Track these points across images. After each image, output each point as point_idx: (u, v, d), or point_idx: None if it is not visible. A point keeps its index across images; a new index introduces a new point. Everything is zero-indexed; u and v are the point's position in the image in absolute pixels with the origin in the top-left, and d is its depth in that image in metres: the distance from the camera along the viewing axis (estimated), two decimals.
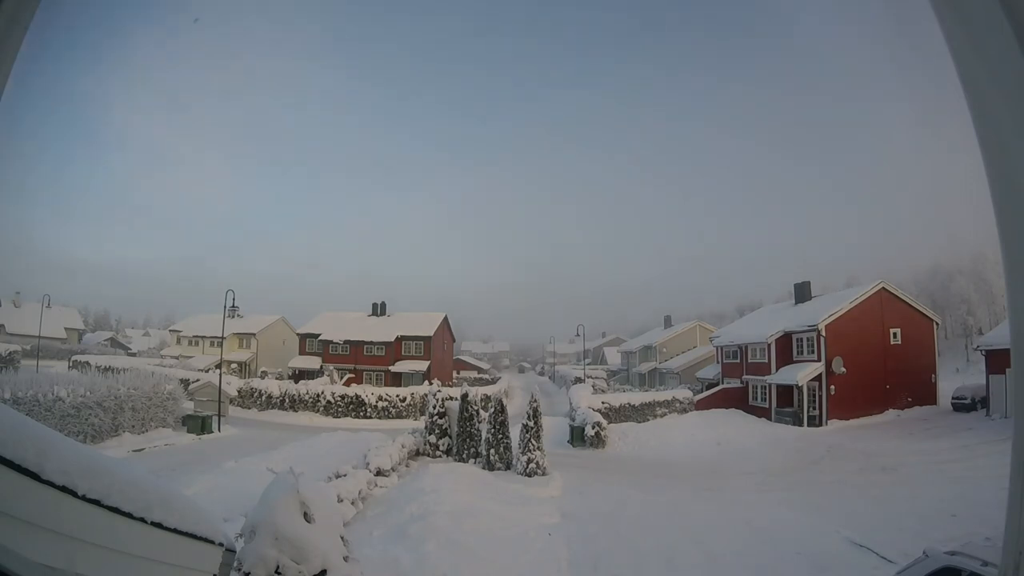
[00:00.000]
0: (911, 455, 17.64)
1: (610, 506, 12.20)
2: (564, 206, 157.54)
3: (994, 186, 1.10)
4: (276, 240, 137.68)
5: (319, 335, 41.48)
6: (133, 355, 53.27)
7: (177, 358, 45.23)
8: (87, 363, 36.03)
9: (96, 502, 1.59)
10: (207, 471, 13.61)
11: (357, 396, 29.57)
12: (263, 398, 30.34)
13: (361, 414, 29.01)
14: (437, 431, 18.47)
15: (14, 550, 1.36)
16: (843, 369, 25.37)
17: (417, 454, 18.05)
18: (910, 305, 27.98)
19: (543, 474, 15.64)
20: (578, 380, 38.18)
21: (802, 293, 31.68)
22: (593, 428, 21.91)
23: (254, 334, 45.87)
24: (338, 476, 12.10)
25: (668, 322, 53.87)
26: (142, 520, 1.77)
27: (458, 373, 52.45)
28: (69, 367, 35.66)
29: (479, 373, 58.15)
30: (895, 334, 27.09)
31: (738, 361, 31.16)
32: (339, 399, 29.57)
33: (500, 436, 16.90)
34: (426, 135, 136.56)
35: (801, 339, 27.20)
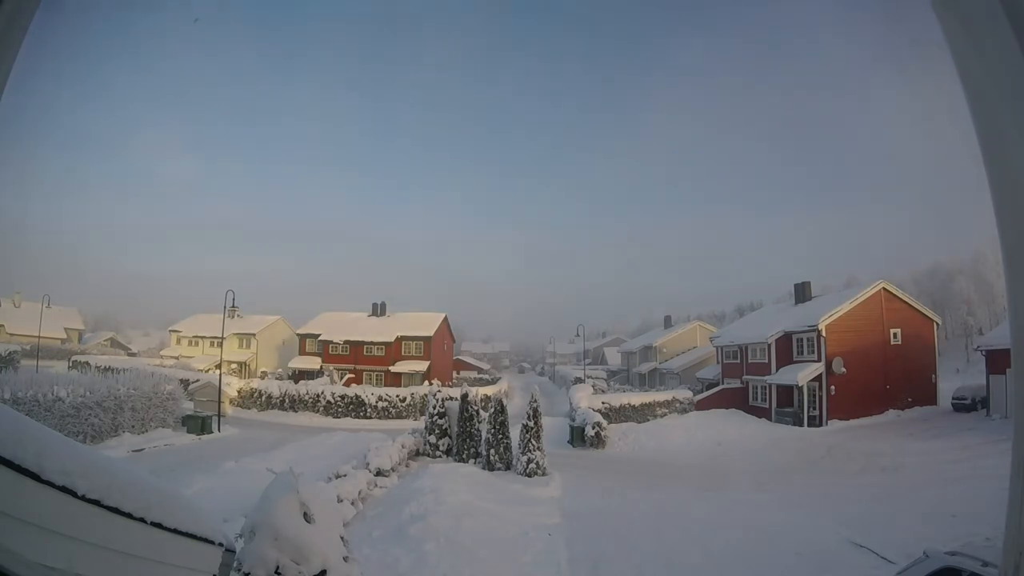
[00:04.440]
0: (911, 455, 17.63)
1: (610, 506, 12.20)
2: (565, 206, 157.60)
3: (994, 186, 1.10)
4: (277, 240, 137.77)
5: (319, 335, 41.47)
6: (133, 355, 53.24)
7: (177, 358, 45.19)
8: (87, 363, 36.08)
9: (96, 502, 1.59)
10: (207, 471, 13.61)
11: (357, 396, 29.56)
12: (263, 398, 30.32)
13: (361, 414, 29.00)
14: (437, 431, 18.46)
15: (14, 550, 1.36)
16: (843, 369, 25.36)
17: (417, 454, 18.05)
18: (910, 305, 27.96)
19: (543, 474, 15.63)
20: (578, 380, 38.16)
21: (802, 293, 31.66)
22: (593, 428, 21.89)
23: (254, 334, 45.83)
24: (338, 476, 12.11)
25: (668, 322, 53.87)
26: (142, 520, 1.77)
27: (458, 373, 52.42)
28: (69, 367, 35.69)
29: (479, 373, 58.11)
30: (895, 334, 27.08)
31: (738, 361, 31.15)
32: (339, 399, 29.55)
33: (500, 436, 16.90)
34: (429, 137, 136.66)
35: (801, 339, 27.18)
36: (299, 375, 39.92)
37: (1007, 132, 1.05)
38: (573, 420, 23.25)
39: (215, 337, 37.40)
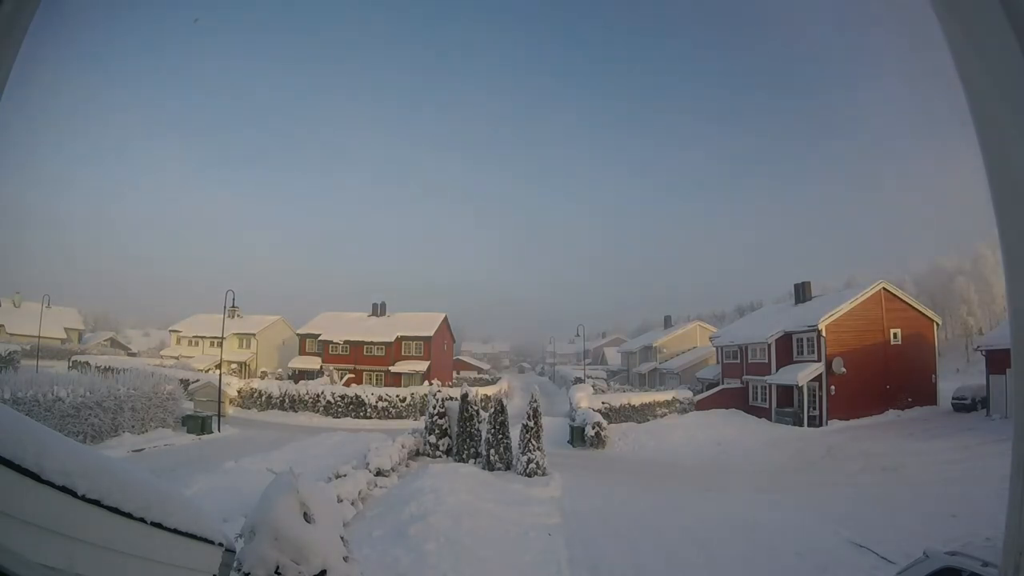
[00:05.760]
0: (911, 455, 17.63)
1: (610, 506, 12.20)
2: (566, 206, 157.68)
3: (994, 186, 1.10)
4: (277, 240, 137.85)
5: (319, 335, 41.46)
6: (133, 355, 53.24)
7: (177, 358, 45.17)
8: (87, 363, 36.07)
9: (96, 502, 1.59)
10: (207, 471, 13.61)
11: (357, 396, 29.54)
12: (263, 398, 30.31)
13: (361, 414, 28.98)
14: (437, 431, 18.46)
15: (14, 550, 1.36)
16: (843, 369, 25.35)
17: (417, 454, 18.05)
18: (910, 305, 27.96)
19: (543, 474, 15.62)
20: (578, 380, 38.15)
21: (802, 293, 31.65)
22: (593, 428, 21.88)
23: (254, 334, 45.82)
24: (338, 476, 12.11)
25: (668, 322, 53.86)
26: (142, 520, 1.77)
27: (458, 373, 52.42)
28: (69, 367, 35.68)
29: (479, 373, 58.11)
30: (895, 334, 27.08)
31: (738, 361, 31.14)
32: (339, 399, 29.54)
33: (500, 436, 16.89)
34: (431, 138, 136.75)
35: (801, 339, 27.18)
36: (299, 375, 39.92)
37: (1007, 132, 1.05)
38: (573, 420, 23.24)
39: (215, 337, 37.41)
